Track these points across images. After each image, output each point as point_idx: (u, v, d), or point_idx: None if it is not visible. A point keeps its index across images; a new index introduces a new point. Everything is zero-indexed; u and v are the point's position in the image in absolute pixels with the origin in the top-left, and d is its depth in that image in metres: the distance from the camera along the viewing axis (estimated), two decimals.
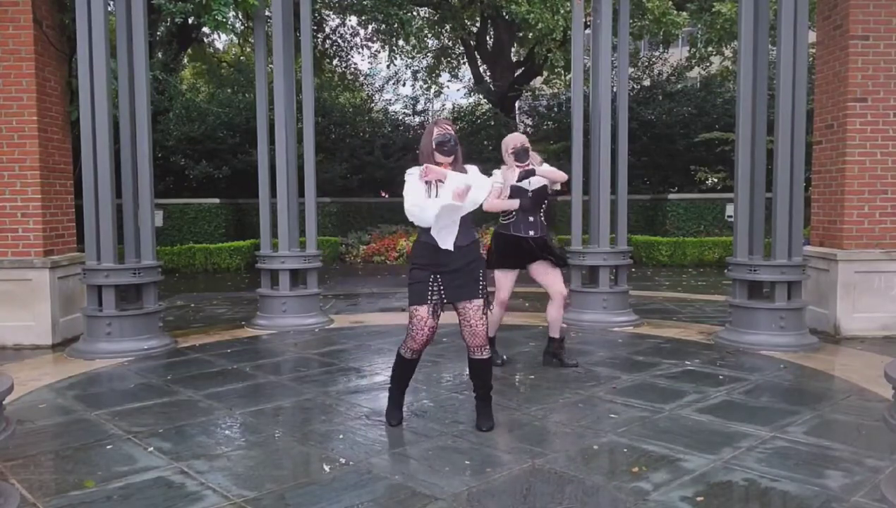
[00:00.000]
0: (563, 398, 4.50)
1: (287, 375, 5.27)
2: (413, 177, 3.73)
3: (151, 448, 3.63)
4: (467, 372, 5.17)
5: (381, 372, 5.25)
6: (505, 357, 5.56)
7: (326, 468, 3.35)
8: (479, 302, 3.75)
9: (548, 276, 5.15)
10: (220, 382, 5.01)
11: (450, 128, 3.79)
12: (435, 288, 3.71)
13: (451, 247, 3.67)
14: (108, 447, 3.67)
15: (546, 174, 5.13)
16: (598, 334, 6.64)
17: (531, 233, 5.09)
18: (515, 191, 5.05)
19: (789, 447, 3.58)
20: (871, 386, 4.65)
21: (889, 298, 6.38)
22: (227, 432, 3.97)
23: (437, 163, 3.73)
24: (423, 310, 3.73)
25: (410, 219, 3.76)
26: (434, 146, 3.73)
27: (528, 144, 5.12)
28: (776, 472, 3.24)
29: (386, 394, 4.59)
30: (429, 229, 3.69)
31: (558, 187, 5.32)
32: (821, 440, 3.68)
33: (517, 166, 5.07)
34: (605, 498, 3.01)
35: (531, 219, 5.10)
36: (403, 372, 4.00)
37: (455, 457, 3.47)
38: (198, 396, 4.63)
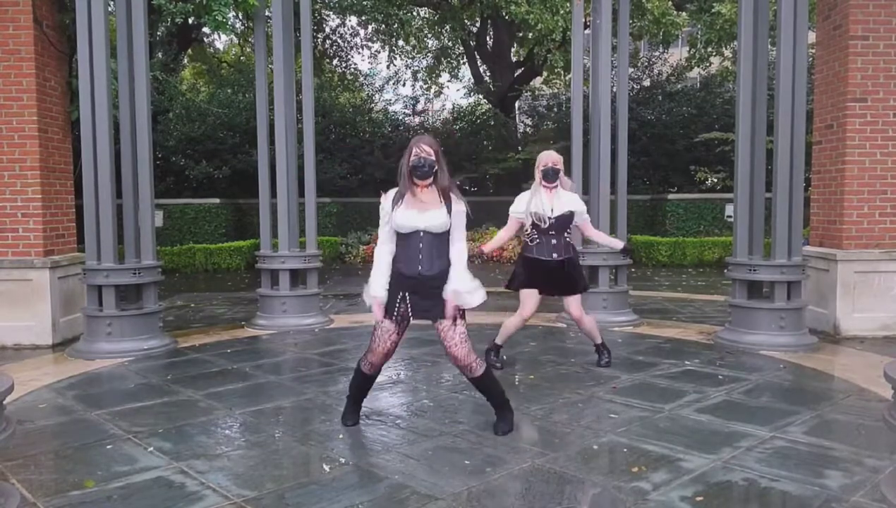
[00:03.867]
0: (563, 398, 4.50)
1: (287, 375, 5.27)
2: (386, 200, 3.69)
3: (151, 448, 3.63)
4: None
5: (381, 372, 5.23)
6: (505, 357, 5.57)
7: (326, 468, 3.35)
8: (447, 321, 3.69)
9: (570, 306, 5.20)
10: (220, 382, 5.01)
11: (428, 149, 3.63)
12: (402, 307, 3.68)
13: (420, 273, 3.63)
14: (109, 447, 3.67)
15: (604, 238, 5.46)
16: None
17: (554, 255, 5.01)
18: (538, 219, 4.97)
19: (789, 447, 3.58)
20: (870, 386, 4.66)
21: (889, 298, 6.38)
22: (227, 432, 3.97)
23: (414, 185, 3.65)
24: (387, 324, 3.72)
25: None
26: (409, 169, 3.64)
27: (559, 166, 5.00)
28: (776, 472, 3.24)
29: (386, 394, 4.63)
30: (401, 252, 3.67)
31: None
32: (821, 440, 3.68)
33: (543, 185, 4.98)
34: (604, 498, 3.01)
35: (554, 241, 5.01)
36: (361, 386, 4.00)
37: (455, 457, 3.47)
38: (198, 396, 4.63)
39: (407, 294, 3.66)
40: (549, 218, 4.95)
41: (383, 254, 3.73)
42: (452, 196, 3.67)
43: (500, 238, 5.35)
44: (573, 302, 5.18)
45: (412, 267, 3.63)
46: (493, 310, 7.06)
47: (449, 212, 3.63)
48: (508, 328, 5.28)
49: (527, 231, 5.08)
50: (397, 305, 3.67)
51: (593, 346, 5.44)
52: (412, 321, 3.78)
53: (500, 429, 3.82)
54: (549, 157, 5.01)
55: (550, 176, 4.94)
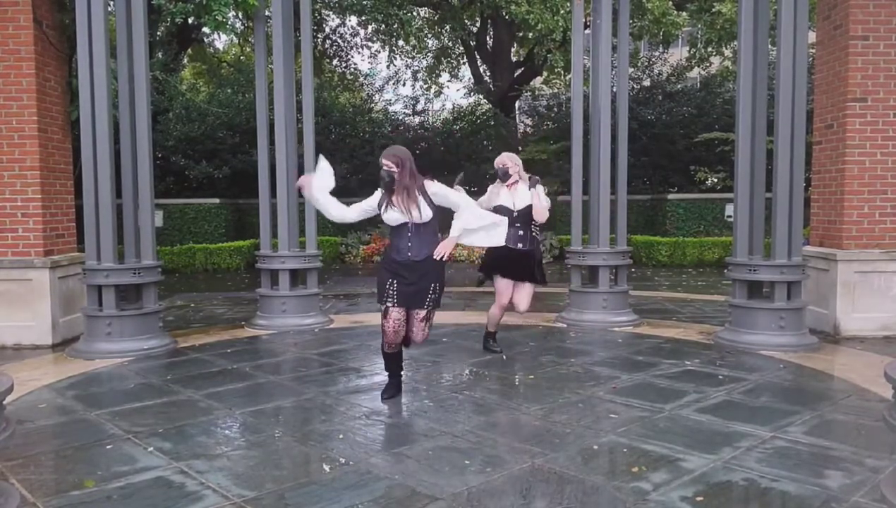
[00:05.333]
0: (563, 398, 4.50)
1: (287, 375, 5.27)
2: (375, 199, 4.34)
3: (151, 448, 3.63)
4: (467, 372, 5.23)
5: (381, 372, 5.23)
6: (504, 357, 5.60)
7: (326, 468, 3.35)
8: (421, 312, 4.29)
9: (521, 293, 5.58)
10: (220, 382, 5.01)
11: (388, 162, 4.14)
12: (391, 292, 4.23)
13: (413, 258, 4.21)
14: (108, 447, 3.67)
15: (536, 205, 5.53)
16: (598, 334, 6.65)
17: (519, 245, 5.46)
18: (500, 211, 5.30)
19: (789, 447, 3.58)
20: (870, 386, 4.66)
21: (889, 298, 6.38)
22: (226, 432, 3.97)
23: (391, 192, 4.21)
24: (387, 304, 4.26)
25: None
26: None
27: (507, 165, 5.52)
28: (776, 472, 3.24)
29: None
30: (391, 240, 4.30)
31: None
32: (821, 440, 3.68)
33: (501, 185, 5.53)
34: (604, 498, 3.01)
35: (521, 232, 5.46)
36: (391, 363, 4.58)
37: (455, 457, 3.47)
38: (198, 396, 4.63)
39: (395, 282, 4.21)
40: (514, 212, 5.40)
41: (339, 204, 4.41)
42: (427, 186, 4.20)
43: None
44: (525, 292, 5.56)
45: (403, 254, 4.22)
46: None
47: (429, 203, 4.18)
48: (492, 317, 5.76)
49: None
50: (387, 291, 4.23)
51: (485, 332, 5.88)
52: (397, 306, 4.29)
53: (385, 394, 4.50)
54: (499, 159, 5.61)
55: (501, 176, 5.50)
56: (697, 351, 5.88)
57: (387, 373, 4.62)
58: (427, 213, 4.18)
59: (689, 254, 13.25)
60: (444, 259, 4.23)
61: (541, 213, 5.51)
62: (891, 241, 6.46)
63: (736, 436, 3.73)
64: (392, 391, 4.53)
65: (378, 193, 4.31)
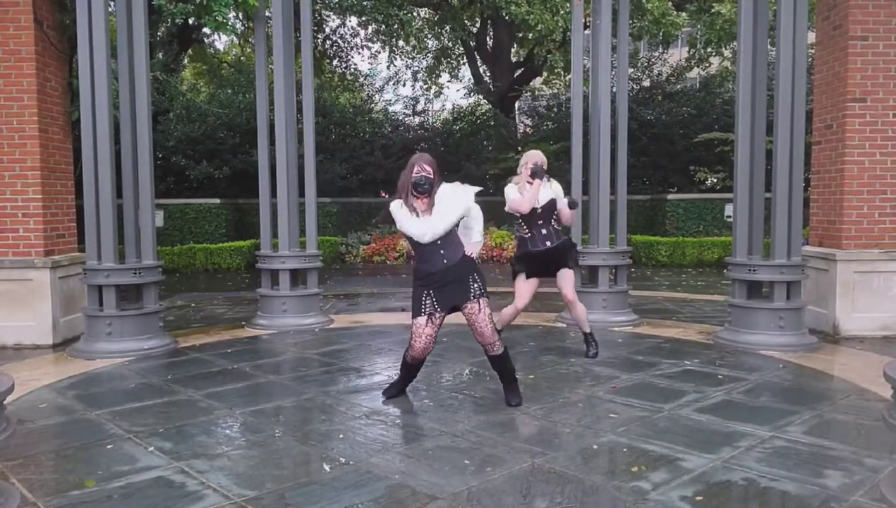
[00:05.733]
0: (563, 398, 4.51)
1: (287, 375, 5.28)
2: (398, 208, 4.15)
3: (152, 448, 3.64)
4: (467, 372, 5.24)
5: (381, 372, 5.26)
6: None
7: (326, 468, 3.36)
8: (473, 304, 4.15)
9: (562, 282, 5.49)
10: (221, 382, 5.01)
11: (428, 168, 4.10)
12: (428, 302, 4.15)
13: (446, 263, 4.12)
14: (109, 446, 3.68)
15: (561, 206, 5.45)
16: (598, 334, 6.60)
17: (548, 243, 5.39)
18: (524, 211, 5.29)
19: (789, 447, 3.58)
20: (870, 385, 4.66)
21: (888, 298, 6.38)
22: (227, 431, 3.97)
23: (415, 198, 4.11)
24: (420, 320, 4.19)
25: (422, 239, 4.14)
26: (411, 185, 4.10)
27: (544, 164, 5.35)
28: (775, 472, 3.24)
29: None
30: (421, 254, 4.16)
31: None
32: (820, 440, 3.68)
33: (529, 182, 5.30)
34: (604, 498, 3.01)
35: (545, 231, 5.39)
36: (408, 372, 4.51)
37: (455, 457, 3.48)
38: (198, 396, 4.64)
39: (431, 291, 4.13)
40: (538, 209, 5.31)
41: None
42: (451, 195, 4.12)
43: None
44: (567, 282, 5.47)
45: (437, 263, 4.10)
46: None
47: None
48: (505, 316, 5.64)
49: (521, 226, 5.45)
50: (423, 302, 4.15)
51: (582, 335, 5.75)
52: (440, 311, 4.19)
53: (511, 401, 4.30)
54: (538, 156, 5.40)
55: (539, 174, 5.28)
56: (697, 350, 5.88)
57: (397, 375, 4.60)
58: (452, 219, 4.11)
59: (689, 254, 13.26)
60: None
61: (566, 216, 5.50)
62: (890, 241, 6.47)
63: (735, 436, 3.73)
64: (394, 391, 4.53)
65: (395, 207, 4.16)
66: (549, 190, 5.38)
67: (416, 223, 4.08)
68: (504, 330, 5.95)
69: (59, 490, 3.12)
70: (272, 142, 7.41)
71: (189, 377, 5.17)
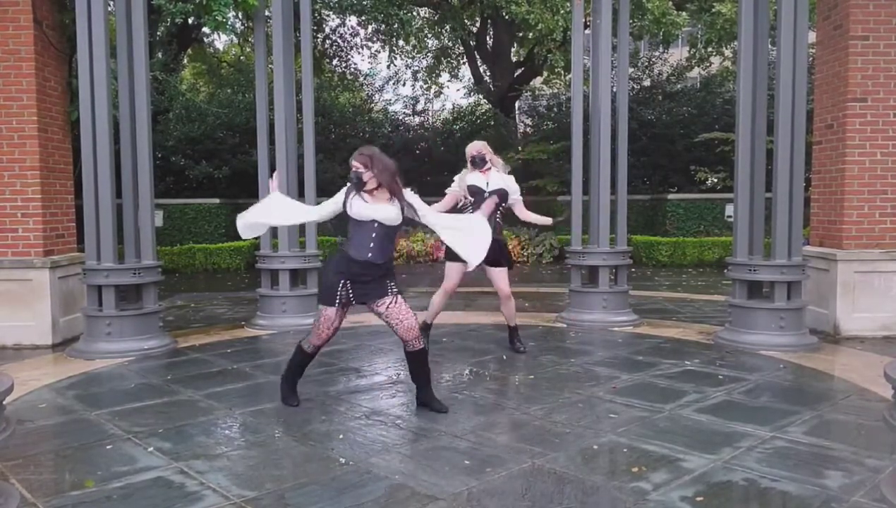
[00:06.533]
0: (563, 398, 4.50)
1: None
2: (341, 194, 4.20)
3: (151, 448, 3.63)
4: (467, 372, 5.23)
5: (381, 372, 5.25)
6: (504, 357, 5.60)
7: (326, 468, 3.35)
8: (388, 299, 4.07)
9: (498, 277, 5.61)
10: (220, 382, 5.01)
11: (356, 163, 4.08)
12: (343, 292, 4.06)
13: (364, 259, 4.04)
14: (108, 447, 3.67)
15: (526, 217, 5.70)
16: (598, 334, 6.65)
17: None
18: (473, 191, 5.45)
19: (789, 447, 3.58)
20: (870, 386, 4.66)
21: (889, 298, 6.38)
22: (226, 432, 3.97)
23: (363, 191, 4.09)
24: (330, 311, 4.11)
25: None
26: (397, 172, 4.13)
27: (483, 152, 5.57)
28: (776, 472, 3.24)
29: (386, 394, 4.63)
30: (357, 236, 4.09)
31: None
32: (821, 440, 3.68)
33: (473, 171, 5.54)
34: (604, 498, 3.01)
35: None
36: (301, 363, 4.40)
37: (455, 457, 3.47)
38: (198, 396, 4.63)
39: (348, 281, 4.04)
40: (486, 192, 5.39)
41: (303, 207, 4.39)
42: (406, 195, 4.11)
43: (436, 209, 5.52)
44: (501, 277, 5.59)
45: (362, 253, 4.03)
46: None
47: (401, 208, 4.07)
48: (434, 305, 5.72)
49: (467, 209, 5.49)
50: (338, 292, 4.06)
51: (509, 330, 5.90)
52: (353, 304, 4.13)
53: (435, 406, 4.19)
54: (473, 147, 5.61)
55: (478, 163, 5.51)
56: (697, 351, 5.88)
57: (288, 376, 4.42)
58: (398, 217, 4.07)
59: (689, 254, 13.25)
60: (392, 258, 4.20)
61: (538, 218, 5.67)
62: (891, 241, 6.46)
63: (736, 436, 3.72)
64: (296, 396, 4.40)
65: (343, 191, 4.18)
66: (500, 179, 5.52)
67: (359, 203, 4.07)
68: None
69: (59, 491, 3.11)
70: (272, 142, 7.40)
71: (189, 377, 5.17)
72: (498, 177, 5.54)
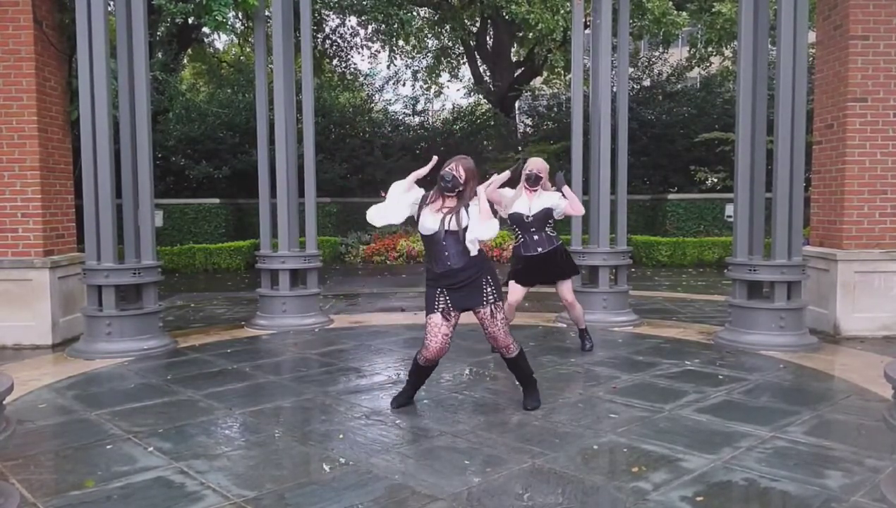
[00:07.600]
0: (563, 398, 4.50)
1: (287, 375, 5.27)
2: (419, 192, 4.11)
3: (151, 448, 3.63)
4: (467, 372, 5.24)
5: (381, 372, 5.25)
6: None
7: (326, 468, 3.35)
8: (486, 310, 4.08)
9: (561, 290, 5.68)
10: (220, 382, 5.01)
11: (461, 170, 4.00)
12: (442, 300, 4.06)
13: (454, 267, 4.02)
14: (108, 447, 3.67)
15: (574, 201, 5.54)
16: (598, 334, 6.63)
17: (539, 249, 5.53)
18: (515, 220, 5.48)
19: (789, 447, 3.58)
20: (870, 386, 4.66)
21: (889, 298, 6.38)
22: (226, 432, 3.97)
23: (443, 193, 4.05)
24: (436, 317, 4.08)
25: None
26: (439, 177, 4.05)
27: (542, 173, 5.47)
28: (776, 472, 3.24)
29: (386, 394, 4.62)
30: (428, 252, 4.10)
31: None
32: (821, 440, 3.68)
33: (526, 188, 5.47)
34: (604, 498, 3.01)
35: (536, 237, 5.53)
36: (418, 377, 4.34)
37: (455, 457, 3.47)
38: (198, 396, 4.63)
39: (445, 289, 4.05)
40: (528, 217, 5.45)
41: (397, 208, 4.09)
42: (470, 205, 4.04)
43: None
44: (565, 288, 5.65)
45: (442, 264, 4.02)
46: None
47: (466, 211, 4.01)
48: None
49: (515, 231, 5.62)
50: (437, 300, 4.06)
51: (577, 331, 5.96)
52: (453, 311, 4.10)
53: (528, 405, 4.24)
54: (534, 165, 5.49)
55: (532, 181, 5.43)
56: (697, 351, 5.88)
57: (407, 381, 4.40)
58: (465, 223, 4.00)
59: (689, 254, 13.25)
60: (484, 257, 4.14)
61: (578, 207, 5.60)
62: (891, 241, 6.46)
63: (736, 436, 3.72)
64: (403, 399, 4.34)
65: (419, 195, 4.09)
66: (545, 200, 5.48)
67: (426, 215, 4.02)
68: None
69: (59, 491, 3.11)
70: (272, 142, 7.40)
71: (189, 377, 5.17)
72: (544, 199, 5.46)
